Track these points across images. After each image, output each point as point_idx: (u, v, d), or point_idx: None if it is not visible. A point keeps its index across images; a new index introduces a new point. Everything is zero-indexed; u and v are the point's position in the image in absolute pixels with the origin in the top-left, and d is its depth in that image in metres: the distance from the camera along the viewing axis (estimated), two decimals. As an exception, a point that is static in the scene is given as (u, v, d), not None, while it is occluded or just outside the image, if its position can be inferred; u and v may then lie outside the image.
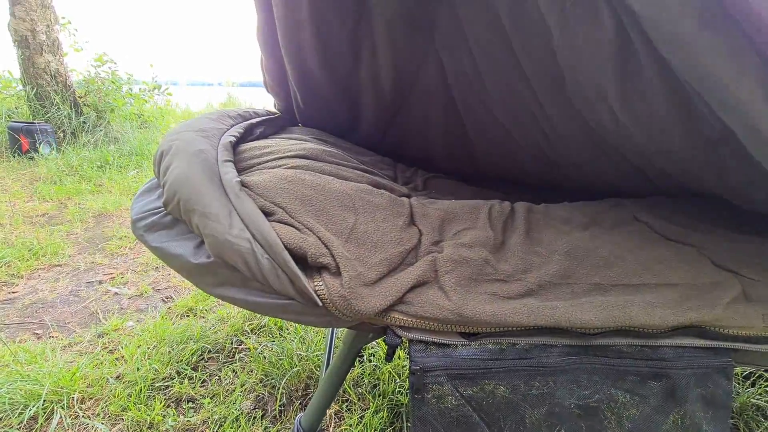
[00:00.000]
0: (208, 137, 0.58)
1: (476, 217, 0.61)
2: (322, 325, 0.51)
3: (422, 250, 0.53)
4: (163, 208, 0.52)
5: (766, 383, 0.90)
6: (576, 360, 0.52)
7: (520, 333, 0.49)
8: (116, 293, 1.38)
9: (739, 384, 0.91)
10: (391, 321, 0.47)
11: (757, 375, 0.92)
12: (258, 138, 0.74)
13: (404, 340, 0.49)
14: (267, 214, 0.49)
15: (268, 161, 0.59)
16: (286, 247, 0.45)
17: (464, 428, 0.51)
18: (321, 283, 0.45)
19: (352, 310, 0.44)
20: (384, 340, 0.49)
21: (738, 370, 0.94)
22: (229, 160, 0.55)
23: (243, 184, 0.51)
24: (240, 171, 0.56)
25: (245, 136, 0.69)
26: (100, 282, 1.45)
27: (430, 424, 0.49)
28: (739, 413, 0.85)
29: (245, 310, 1.18)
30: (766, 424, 0.83)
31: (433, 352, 0.49)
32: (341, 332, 1.07)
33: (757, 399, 0.88)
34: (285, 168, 0.57)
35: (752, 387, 0.90)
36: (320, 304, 0.45)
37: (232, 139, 0.62)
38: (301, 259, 0.46)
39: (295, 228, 0.47)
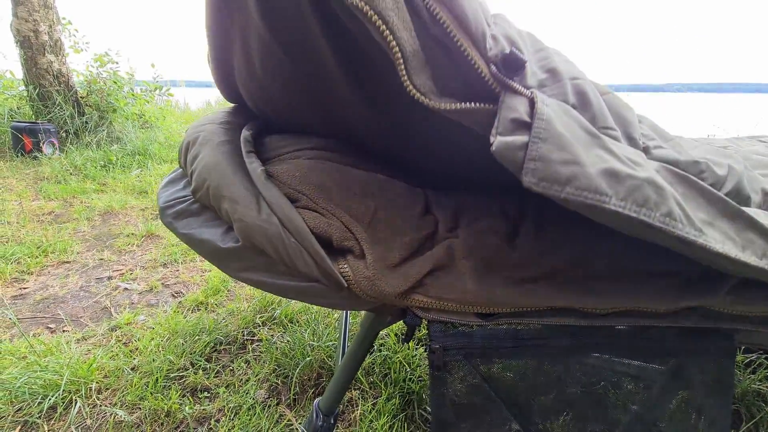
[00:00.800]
0: (230, 129, 0.60)
1: (490, 206, 0.63)
2: (345, 308, 0.53)
3: (439, 236, 0.56)
4: (190, 197, 0.54)
5: (766, 370, 0.93)
6: (587, 341, 0.55)
7: (534, 314, 0.52)
8: (126, 289, 1.39)
9: (739, 371, 0.93)
10: (412, 302, 0.49)
11: (757, 362, 0.95)
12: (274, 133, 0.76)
13: (424, 321, 0.51)
14: (291, 200, 0.51)
15: (288, 152, 0.61)
16: (311, 231, 0.47)
17: (481, 405, 0.53)
18: (346, 266, 0.47)
19: (377, 291, 0.46)
20: (404, 321, 0.52)
21: (739, 357, 0.96)
22: (252, 151, 0.57)
23: (267, 173, 0.53)
24: (262, 161, 0.58)
25: (263, 130, 0.71)
26: (110, 278, 1.47)
27: (449, 400, 0.52)
28: (740, 399, 0.88)
29: (256, 304, 1.20)
30: (767, 409, 0.85)
31: (452, 331, 0.51)
32: (353, 318, 1.09)
33: (758, 385, 0.90)
34: (305, 158, 0.59)
35: (753, 374, 0.92)
36: (345, 285, 0.47)
37: (252, 131, 0.64)
38: (325, 244, 0.48)
39: (320, 213, 0.50)
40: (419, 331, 1.03)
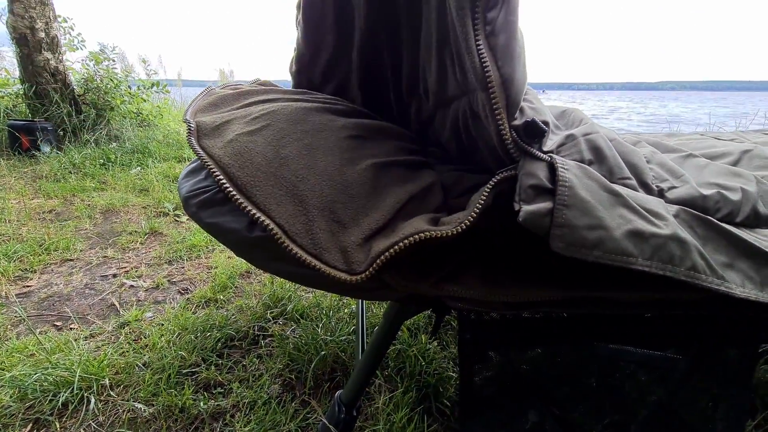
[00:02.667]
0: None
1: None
2: (374, 298, 0.53)
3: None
4: (214, 186, 0.53)
5: (779, 361, 0.93)
6: (612, 328, 0.54)
7: (561, 303, 0.51)
8: (132, 286, 1.38)
9: (753, 362, 0.94)
10: (443, 292, 0.49)
11: (769, 353, 0.95)
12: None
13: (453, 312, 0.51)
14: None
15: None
16: (342, 219, 0.47)
17: (505, 394, 0.53)
18: (377, 254, 0.46)
19: (410, 279, 0.46)
20: (433, 311, 0.51)
21: (751, 348, 0.96)
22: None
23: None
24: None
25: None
26: (114, 275, 1.45)
27: (476, 389, 0.51)
28: (755, 389, 0.88)
29: (265, 300, 1.19)
30: (781, 399, 0.86)
31: (480, 321, 0.51)
32: (370, 311, 1.09)
33: (772, 375, 0.91)
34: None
35: (766, 363, 0.93)
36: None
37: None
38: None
39: (349, 202, 0.49)
40: (430, 323, 1.03)
